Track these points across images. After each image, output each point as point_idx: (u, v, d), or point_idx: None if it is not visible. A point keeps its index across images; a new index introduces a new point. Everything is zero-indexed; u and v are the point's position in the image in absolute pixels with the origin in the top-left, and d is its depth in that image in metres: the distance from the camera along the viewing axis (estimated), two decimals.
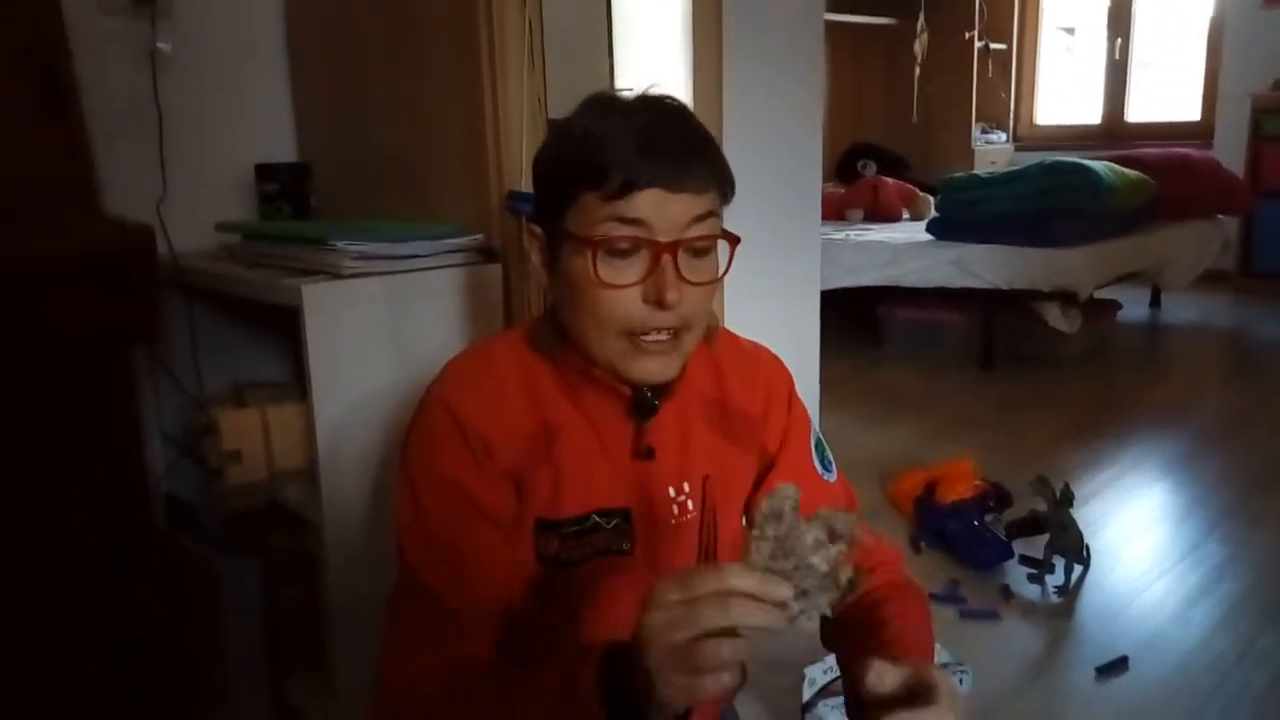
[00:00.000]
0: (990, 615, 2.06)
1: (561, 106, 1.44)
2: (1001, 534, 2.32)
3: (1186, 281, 4.66)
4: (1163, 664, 1.86)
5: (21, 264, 1.31)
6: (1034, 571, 2.20)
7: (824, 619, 0.72)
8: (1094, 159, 4.12)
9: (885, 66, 5.95)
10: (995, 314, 4.01)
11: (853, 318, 4.43)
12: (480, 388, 0.92)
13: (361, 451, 1.42)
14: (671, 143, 0.85)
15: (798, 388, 1.09)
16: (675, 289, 0.85)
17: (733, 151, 0.94)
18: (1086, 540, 2.22)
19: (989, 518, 2.45)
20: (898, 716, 0.73)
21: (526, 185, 1.47)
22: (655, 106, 0.88)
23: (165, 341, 1.73)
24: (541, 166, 0.92)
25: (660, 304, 0.85)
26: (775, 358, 1.08)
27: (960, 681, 1.71)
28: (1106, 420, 3.36)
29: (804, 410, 1.08)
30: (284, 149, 1.94)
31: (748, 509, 1.03)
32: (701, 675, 0.65)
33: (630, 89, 0.92)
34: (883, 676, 0.74)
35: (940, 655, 1.77)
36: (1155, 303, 5.13)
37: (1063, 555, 2.18)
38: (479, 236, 1.52)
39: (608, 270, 0.85)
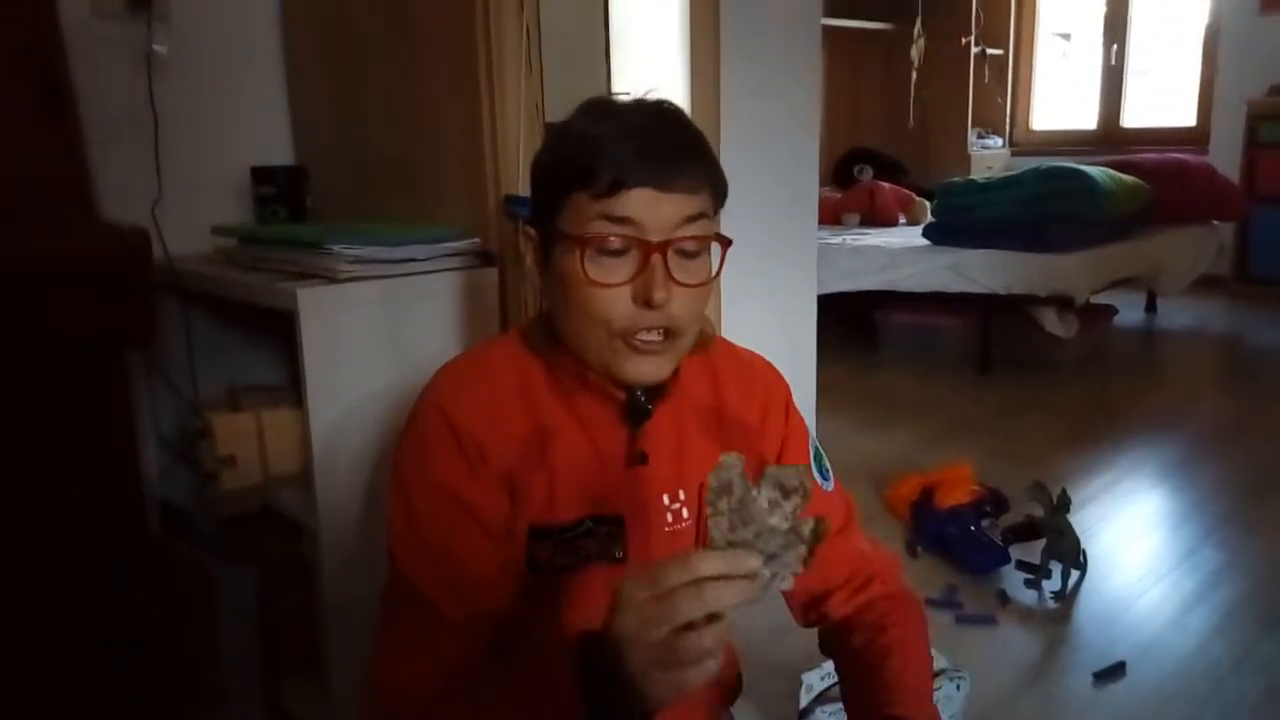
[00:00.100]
0: (987, 621, 2.05)
1: (559, 111, 1.44)
2: (998, 539, 2.31)
3: (1182, 287, 4.67)
4: (1160, 670, 1.86)
5: (17, 266, 1.30)
6: (1031, 577, 2.19)
7: (823, 636, 0.72)
8: (1090, 164, 4.13)
9: (882, 71, 5.96)
10: (992, 319, 4.02)
11: (850, 322, 4.43)
12: (475, 392, 0.92)
13: (357, 456, 1.41)
14: (662, 143, 0.85)
15: (794, 392, 1.09)
16: (664, 288, 0.84)
17: (730, 156, 0.94)
18: (1083, 545, 2.21)
19: (986, 523, 2.44)
20: None
21: (524, 189, 1.47)
22: (649, 109, 0.89)
23: (160, 345, 1.72)
24: (538, 169, 0.92)
25: (649, 303, 0.84)
26: (772, 367, 1.08)
27: (957, 687, 1.70)
28: (1103, 425, 3.36)
29: (802, 420, 1.08)
30: (280, 152, 1.94)
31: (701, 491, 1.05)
32: (687, 668, 0.65)
33: (628, 93, 0.92)
34: None
35: (937, 661, 1.76)
36: (1151, 308, 5.14)
37: (1059, 560, 2.18)
38: (476, 240, 1.52)
39: (597, 269, 0.85)
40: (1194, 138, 5.65)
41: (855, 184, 5.17)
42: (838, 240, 4.34)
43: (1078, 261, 3.81)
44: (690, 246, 0.87)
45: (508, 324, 1.54)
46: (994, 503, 2.52)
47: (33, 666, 1.38)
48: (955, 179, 4.45)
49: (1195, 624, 2.02)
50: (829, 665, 1.50)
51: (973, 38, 5.74)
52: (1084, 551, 2.21)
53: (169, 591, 1.57)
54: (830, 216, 4.71)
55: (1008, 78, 6.15)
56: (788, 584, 0.69)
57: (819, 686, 1.67)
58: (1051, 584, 2.17)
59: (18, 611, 1.36)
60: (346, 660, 1.43)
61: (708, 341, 1.01)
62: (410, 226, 1.57)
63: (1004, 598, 2.14)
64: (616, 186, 0.83)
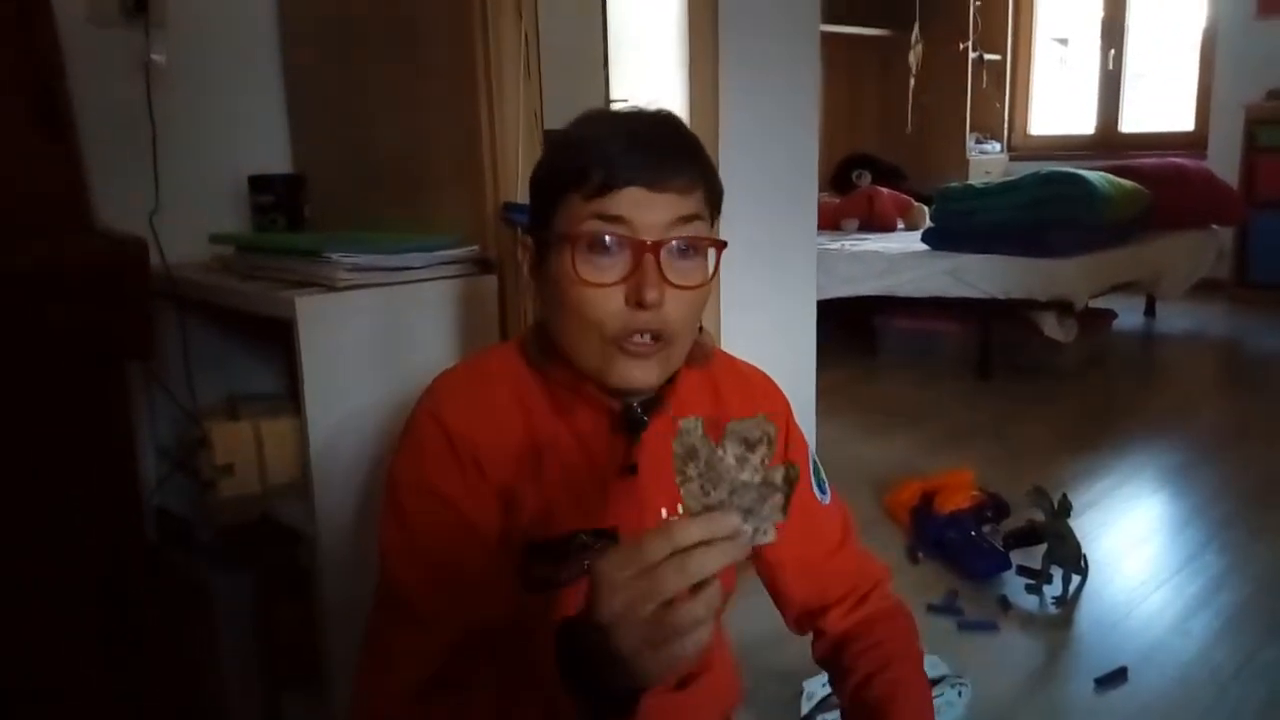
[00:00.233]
0: (988, 626, 2.05)
1: (557, 118, 1.44)
2: (999, 544, 2.31)
3: (1181, 291, 4.67)
4: (1162, 675, 1.85)
5: (14, 276, 1.30)
6: (1032, 582, 2.19)
7: (818, 648, 0.71)
8: (1089, 169, 4.13)
9: (880, 77, 5.97)
10: (991, 324, 4.01)
11: (849, 327, 4.43)
12: (472, 402, 0.91)
13: (355, 465, 1.41)
14: (653, 143, 0.85)
15: (793, 397, 1.09)
16: (657, 288, 0.84)
17: (729, 161, 0.94)
18: (1084, 550, 2.21)
19: (986, 528, 2.44)
20: None
21: (522, 196, 1.47)
22: (645, 115, 0.89)
23: (159, 354, 1.72)
24: (534, 177, 0.92)
25: (640, 303, 0.83)
26: (773, 383, 1.08)
27: (959, 694, 1.70)
28: (1103, 430, 3.35)
29: (802, 436, 1.08)
30: (278, 160, 1.94)
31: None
32: (681, 639, 0.64)
33: (625, 100, 0.92)
34: None
35: (939, 667, 1.76)
36: (1150, 312, 5.14)
37: (1061, 566, 2.17)
38: (474, 248, 1.52)
39: (588, 268, 0.84)
40: (1192, 142, 5.65)
41: (854, 189, 5.18)
42: (837, 245, 4.34)
43: (1077, 266, 3.81)
44: (684, 248, 0.86)
45: (507, 332, 1.54)
46: (995, 508, 2.52)
47: (30, 669, 1.37)
48: (954, 184, 4.45)
49: (1197, 629, 2.01)
50: None
51: (971, 43, 5.75)
52: (1085, 557, 2.21)
53: (166, 601, 1.56)
54: (829, 222, 4.71)
55: (1006, 83, 6.15)
56: (770, 536, 0.68)
57: (820, 694, 1.66)
58: (1053, 589, 2.17)
59: (14, 617, 1.35)
60: (345, 669, 1.42)
61: (708, 355, 1.01)
62: (409, 235, 1.56)
63: (1005, 603, 2.13)
64: (608, 185, 0.83)
